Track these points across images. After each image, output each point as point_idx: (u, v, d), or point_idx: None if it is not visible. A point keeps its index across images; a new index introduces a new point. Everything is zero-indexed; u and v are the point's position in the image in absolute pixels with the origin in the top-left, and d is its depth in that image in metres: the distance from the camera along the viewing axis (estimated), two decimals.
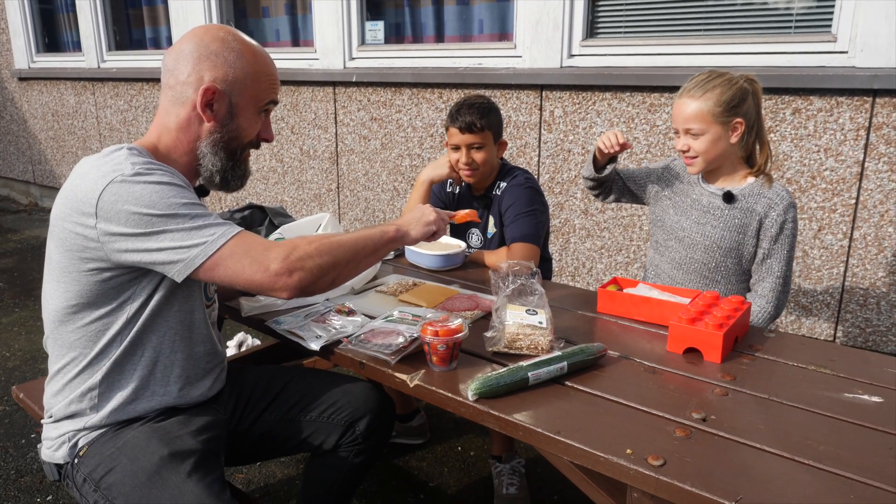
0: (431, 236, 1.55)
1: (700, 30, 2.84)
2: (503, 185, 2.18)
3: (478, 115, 2.06)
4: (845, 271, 2.62)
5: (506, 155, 3.30)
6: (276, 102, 1.43)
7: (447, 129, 2.13)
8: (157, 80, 4.80)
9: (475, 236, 2.34)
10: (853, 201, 2.55)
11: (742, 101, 1.72)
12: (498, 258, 2.07)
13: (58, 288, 1.29)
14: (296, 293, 1.24)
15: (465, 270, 2.10)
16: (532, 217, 2.09)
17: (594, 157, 1.95)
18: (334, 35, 3.82)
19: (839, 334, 2.68)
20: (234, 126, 1.36)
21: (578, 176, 3.14)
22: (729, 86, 1.72)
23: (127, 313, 1.29)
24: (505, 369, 1.31)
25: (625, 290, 1.70)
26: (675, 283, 1.91)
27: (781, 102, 2.61)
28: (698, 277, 1.88)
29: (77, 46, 5.56)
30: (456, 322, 1.39)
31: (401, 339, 1.44)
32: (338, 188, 4.07)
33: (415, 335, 1.44)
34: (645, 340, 1.52)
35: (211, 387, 1.46)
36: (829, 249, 2.63)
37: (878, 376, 1.32)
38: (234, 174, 1.40)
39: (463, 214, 1.73)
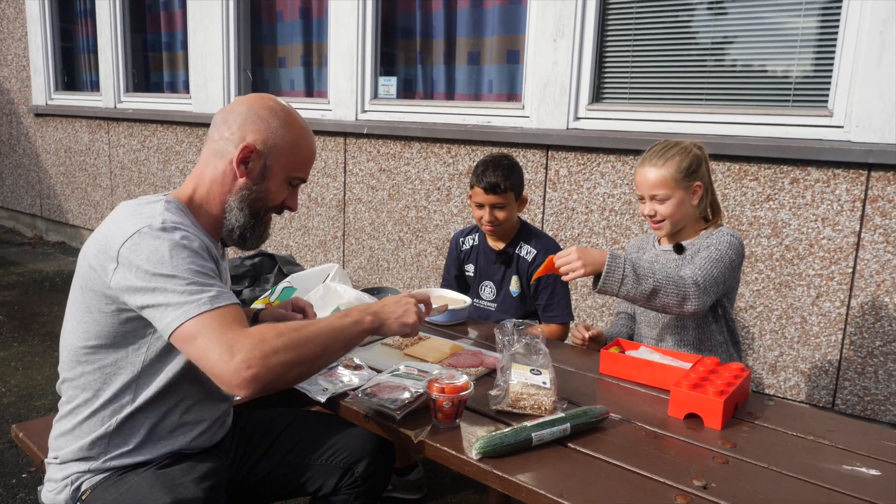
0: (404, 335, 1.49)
1: (702, 99, 2.95)
2: (528, 247, 2.26)
3: (502, 176, 2.17)
4: (843, 339, 2.65)
5: None
6: (304, 180, 1.51)
7: (472, 187, 2.22)
8: (172, 123, 4.92)
9: (488, 289, 2.39)
10: (850, 270, 2.60)
11: (698, 167, 1.88)
12: (550, 334, 2.27)
13: (78, 327, 1.33)
14: (252, 393, 1.19)
15: (469, 326, 2.14)
16: (566, 292, 2.31)
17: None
18: (348, 88, 3.94)
19: (838, 402, 2.69)
20: (263, 187, 1.43)
21: (582, 234, 3.20)
22: (686, 153, 1.86)
23: (144, 357, 1.33)
24: (509, 429, 1.33)
25: (627, 353, 1.73)
26: (654, 341, 1.96)
27: (780, 172, 2.69)
28: (672, 330, 1.94)
29: (95, 86, 5.71)
30: (462, 379, 1.42)
31: (407, 395, 1.46)
32: (343, 236, 4.13)
33: (420, 391, 1.47)
34: (646, 404, 1.54)
35: (216, 432, 1.48)
36: (828, 316, 2.67)
37: (875, 449, 1.34)
38: (252, 233, 1.47)
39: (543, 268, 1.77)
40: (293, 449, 1.57)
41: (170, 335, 1.21)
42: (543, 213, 3.30)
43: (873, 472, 1.25)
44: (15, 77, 6.41)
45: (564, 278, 1.74)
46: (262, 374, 1.17)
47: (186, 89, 4.95)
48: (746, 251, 2.80)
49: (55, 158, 6.10)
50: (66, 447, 1.36)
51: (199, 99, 4.74)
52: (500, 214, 2.19)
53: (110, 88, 5.41)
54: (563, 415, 1.37)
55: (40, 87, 6.07)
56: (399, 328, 1.43)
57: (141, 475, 1.33)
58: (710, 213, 1.98)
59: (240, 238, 1.45)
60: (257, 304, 2.05)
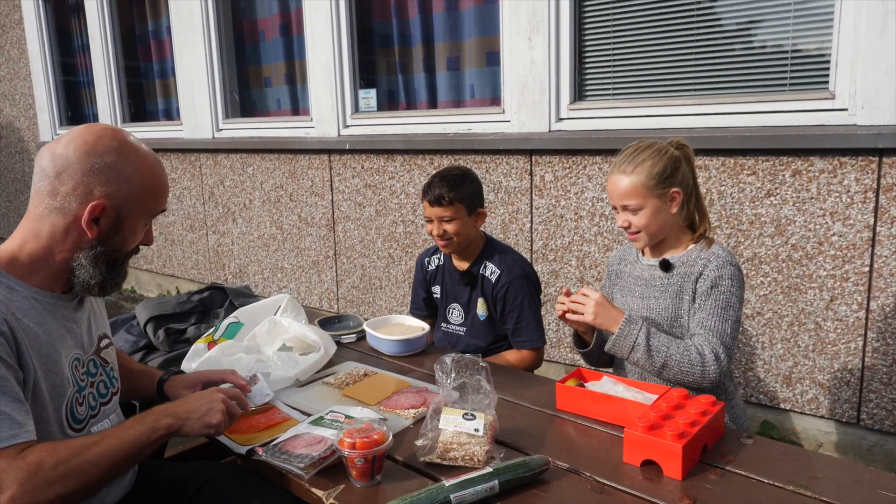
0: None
1: (690, 90, 2.71)
2: (493, 266, 2.08)
3: (447, 188, 2.02)
4: (864, 346, 2.37)
5: (498, 222, 3.18)
6: (164, 211, 1.37)
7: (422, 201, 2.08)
8: (165, 150, 4.86)
9: (456, 312, 2.20)
10: (867, 269, 2.33)
11: (675, 170, 1.63)
12: (521, 360, 2.08)
13: None
14: None
15: (426, 357, 1.94)
16: (536, 313, 2.09)
17: (576, 334, 1.79)
18: (328, 103, 3.81)
19: (863, 416, 2.41)
20: (118, 239, 1.28)
21: (573, 242, 2.98)
22: (659, 156, 1.62)
23: None
24: (424, 490, 1.14)
25: (587, 385, 1.53)
26: (637, 371, 1.72)
27: (780, 164, 2.44)
28: None
29: (97, 119, 5.72)
30: (378, 431, 1.24)
31: (320, 449, 1.29)
32: (335, 255, 3.99)
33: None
34: (602, 447, 1.33)
35: (105, 496, 1.32)
36: (844, 321, 2.39)
37: (869, 501, 1.11)
38: (112, 282, 1.31)
39: None
40: None
41: None
42: (532, 222, 3.10)
43: None
44: (23, 115, 6.49)
45: (568, 315, 1.62)
46: None
47: (179, 116, 4.89)
48: (749, 252, 2.55)
49: None
50: None
51: (189, 124, 4.68)
52: (450, 227, 2.02)
53: (107, 120, 5.41)
54: (490, 470, 1.18)
55: (46, 124, 6.12)
56: (202, 429, 1.29)
57: None
58: (696, 219, 1.75)
59: (99, 290, 1.30)
60: (200, 343, 1.91)
